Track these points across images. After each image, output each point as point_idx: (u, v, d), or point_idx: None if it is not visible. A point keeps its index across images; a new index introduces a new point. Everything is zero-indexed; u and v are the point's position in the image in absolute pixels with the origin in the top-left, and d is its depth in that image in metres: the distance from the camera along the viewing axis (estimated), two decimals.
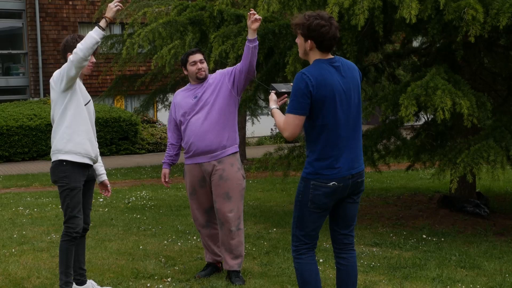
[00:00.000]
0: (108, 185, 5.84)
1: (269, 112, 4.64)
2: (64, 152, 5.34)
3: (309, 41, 4.37)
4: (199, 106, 5.88)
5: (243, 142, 18.01)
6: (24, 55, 24.44)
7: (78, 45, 5.12)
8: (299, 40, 4.45)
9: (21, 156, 19.44)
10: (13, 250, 7.29)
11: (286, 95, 4.66)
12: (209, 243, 6.18)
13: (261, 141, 24.27)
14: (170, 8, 9.71)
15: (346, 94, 4.37)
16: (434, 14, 7.18)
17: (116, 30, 23.92)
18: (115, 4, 5.16)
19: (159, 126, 23.25)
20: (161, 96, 18.33)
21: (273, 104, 4.60)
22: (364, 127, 11.21)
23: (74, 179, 5.34)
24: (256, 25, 5.58)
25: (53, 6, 23.63)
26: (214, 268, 6.22)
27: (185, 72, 6.07)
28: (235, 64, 8.90)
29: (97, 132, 18.02)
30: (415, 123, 9.73)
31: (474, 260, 6.59)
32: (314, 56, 4.41)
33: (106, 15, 5.17)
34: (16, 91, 24.23)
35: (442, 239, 7.56)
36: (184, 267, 6.46)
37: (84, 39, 5.13)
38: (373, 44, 8.94)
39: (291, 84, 4.54)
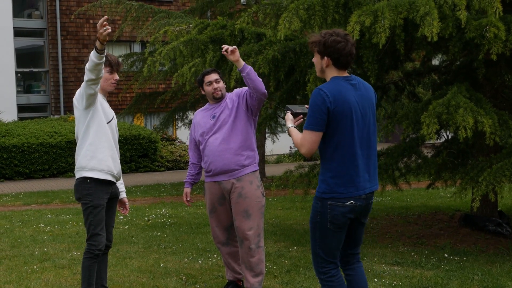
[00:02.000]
0: (127, 203, 5.88)
1: (286, 131, 4.66)
2: (88, 169, 5.38)
3: (325, 58, 4.39)
4: (217, 126, 5.89)
5: (262, 160, 18.02)
6: (45, 73, 24.68)
7: (85, 68, 5.15)
8: (315, 58, 4.48)
9: (41, 173, 19.58)
10: (35, 267, 7.32)
11: (301, 115, 4.67)
12: (229, 260, 6.17)
13: (280, 159, 24.27)
14: (191, 26, 9.77)
15: (362, 112, 4.39)
16: (456, 32, 7.17)
17: (136, 48, 24.10)
18: (101, 25, 4.95)
19: (178, 143, 23.33)
20: (181, 114, 18.41)
21: (290, 123, 4.63)
22: (385, 145, 11.21)
23: (98, 197, 5.37)
24: (235, 56, 5.51)
25: (74, 24, 23.86)
26: (235, 286, 6.21)
27: (202, 92, 6.10)
28: None
29: None
30: (436, 141, 9.71)
31: (497, 280, 6.52)
32: (331, 73, 4.43)
33: (97, 36, 5.03)
34: (37, 109, 24.46)
35: (464, 258, 7.50)
36: (205, 285, 6.45)
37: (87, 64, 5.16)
38: (394, 62, 8.94)
39: (306, 106, 4.58)
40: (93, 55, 5.07)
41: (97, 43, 5.04)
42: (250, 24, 8.82)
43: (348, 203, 4.37)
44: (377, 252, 7.90)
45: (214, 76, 5.98)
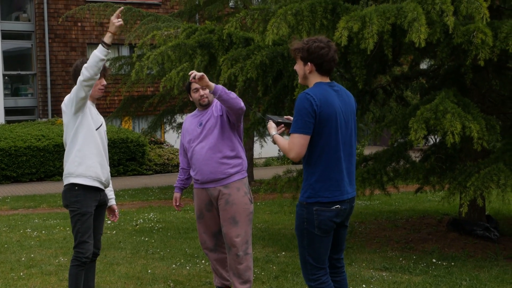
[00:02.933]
0: (116, 210, 5.84)
1: (271, 139, 4.66)
2: (75, 176, 5.35)
3: (308, 63, 4.41)
4: (203, 134, 5.86)
5: (251, 164, 18.00)
6: (33, 76, 24.58)
7: (84, 67, 5.13)
8: (298, 65, 4.50)
9: (29, 176, 19.48)
10: (21, 274, 7.26)
11: (283, 125, 4.67)
12: (217, 267, 6.15)
13: (268, 162, 24.27)
14: (179, 31, 9.74)
15: (345, 118, 4.44)
16: (443, 37, 7.19)
17: (124, 51, 24.03)
18: (116, 17, 5.11)
19: (167, 147, 23.29)
20: (169, 117, 18.38)
21: (273, 131, 4.64)
22: (373, 149, 11.19)
23: (86, 204, 5.33)
24: (203, 82, 5.41)
25: (62, 27, 23.77)
26: None
27: (190, 98, 6.07)
28: (243, 86, 8.95)
29: None
30: (424, 145, 9.72)
31: (485, 285, 6.54)
32: (314, 79, 4.46)
33: (109, 30, 5.13)
34: (25, 112, 24.33)
35: (452, 264, 7.51)
36: None
37: (89, 59, 5.14)
38: (382, 67, 8.95)
39: (287, 117, 4.64)
40: (99, 50, 5.08)
41: (107, 37, 5.09)
42: (238, 29, 8.80)
43: (334, 207, 4.38)
44: (366, 257, 7.90)
45: None
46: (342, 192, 4.41)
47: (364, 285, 6.53)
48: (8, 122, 23.02)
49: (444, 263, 7.53)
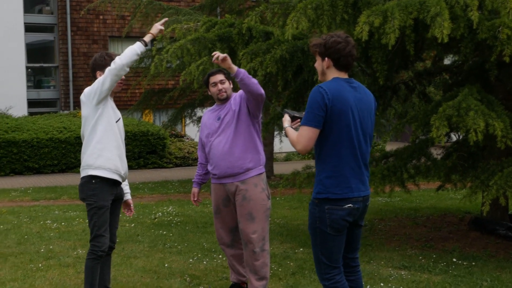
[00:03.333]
0: (131, 205, 5.81)
1: (283, 132, 4.63)
2: (94, 168, 5.32)
3: (326, 59, 4.37)
4: (221, 128, 5.82)
5: (271, 158, 17.94)
6: (55, 69, 24.67)
7: (118, 57, 5.14)
8: (317, 62, 4.46)
9: (50, 168, 19.56)
10: (40, 265, 7.27)
11: (299, 120, 4.62)
12: (234, 263, 6.10)
13: (289, 157, 24.18)
14: (199, 24, 9.70)
15: (360, 115, 4.36)
16: (467, 33, 7.07)
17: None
18: (161, 24, 5.33)
19: (187, 140, 23.28)
20: (189, 111, 18.34)
21: (286, 124, 4.60)
22: (395, 145, 11.08)
23: (102, 198, 5.31)
24: (226, 64, 5.40)
25: (84, 20, 23.82)
26: None
27: (209, 92, 6.03)
28: (263, 81, 8.88)
29: (125, 146, 18.08)
30: (447, 142, 9.59)
31: (506, 286, 6.42)
32: (332, 75, 4.40)
33: (151, 31, 5.30)
34: (47, 104, 24.44)
35: (473, 263, 7.39)
36: (209, 286, 6.39)
37: (124, 51, 5.17)
38: (404, 62, 8.83)
39: (303, 112, 4.53)
40: (137, 45, 5.19)
41: (147, 36, 5.28)
42: (258, 23, 8.73)
43: (346, 206, 4.31)
44: (384, 256, 7.81)
45: (219, 77, 5.90)
46: (352, 190, 4.33)
47: (382, 284, 6.45)
48: (30, 114, 23.14)
49: (465, 263, 7.41)
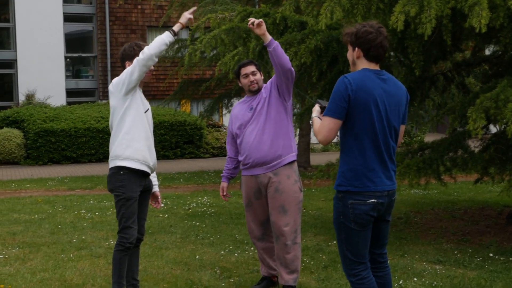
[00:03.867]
0: (159, 197, 5.76)
1: (310, 122, 4.51)
2: (123, 158, 5.28)
3: (356, 49, 4.26)
4: (253, 118, 5.75)
5: (308, 149, 17.84)
6: (93, 58, 24.86)
7: (146, 47, 5.11)
8: (349, 51, 4.35)
9: (88, 157, 19.75)
10: (71, 255, 7.30)
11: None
12: (264, 256, 6.03)
13: (326, 148, 24.02)
14: (234, 14, 9.62)
15: (388, 108, 4.23)
16: (507, 22, 6.86)
17: (184, 34, 24.06)
18: (190, 13, 5.26)
19: (224, 130, 23.28)
20: (226, 101, 18.31)
21: (314, 113, 4.50)
22: (435, 137, 10.88)
23: (131, 189, 5.27)
24: (261, 29, 5.38)
25: (122, 10, 23.93)
26: (269, 282, 6.07)
27: (240, 84, 5.96)
28: (297, 72, 8.78)
29: (162, 135, 18.20)
30: (485, 135, 9.38)
31: None
32: (362, 65, 4.28)
33: (180, 20, 5.24)
34: (85, 93, 24.66)
35: (510, 259, 7.20)
36: (239, 279, 6.33)
37: (153, 41, 5.13)
38: (441, 53, 8.65)
39: None
40: (166, 35, 5.14)
41: (176, 26, 5.22)
42: (293, 13, 8.62)
43: (370, 200, 4.20)
44: (419, 249, 7.67)
45: (250, 68, 5.82)
46: (376, 184, 4.21)
47: (415, 279, 6.32)
48: (69, 103, 23.36)
49: (502, 258, 7.23)
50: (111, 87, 5.36)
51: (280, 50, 5.44)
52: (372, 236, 4.40)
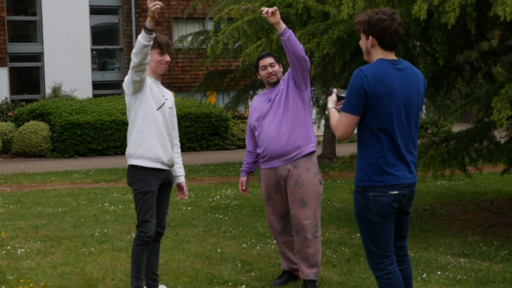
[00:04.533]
0: (184, 188, 5.69)
1: (327, 112, 4.43)
2: (135, 157, 5.27)
3: (370, 37, 4.14)
4: (271, 109, 5.69)
5: (333, 140, 17.72)
6: (119, 51, 24.92)
7: (132, 54, 5.03)
8: (361, 40, 4.23)
9: (113, 150, 19.82)
10: (93, 249, 7.29)
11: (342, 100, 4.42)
12: (285, 250, 5.97)
13: (353, 138, 23.83)
14: (257, 5, 9.54)
15: (406, 99, 4.13)
16: None
17: (209, 25, 24.01)
18: (152, 2, 4.80)
19: None
20: (251, 92, 18.23)
21: (331, 104, 4.40)
22: (462, 126, 10.73)
23: (148, 183, 5.24)
24: (275, 18, 5.31)
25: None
26: (290, 276, 6.01)
27: (259, 76, 5.90)
28: (321, 62, 8.68)
29: (188, 127, 18.08)
30: (510, 125, 9.21)
31: None
32: (377, 55, 4.17)
33: (148, 14, 4.91)
34: (111, 86, 24.73)
35: None
36: (260, 273, 6.27)
37: (135, 45, 5.02)
38: (467, 42, 8.49)
39: None
40: (142, 36, 4.92)
41: (147, 21, 4.90)
42: (315, 2, 8.52)
43: (392, 192, 4.12)
44: (444, 242, 7.56)
45: (268, 60, 5.75)
46: (397, 177, 4.12)
47: (439, 272, 6.22)
48: (95, 96, 23.46)
49: None
50: (123, 85, 5.35)
51: (294, 39, 5.38)
52: (395, 229, 4.32)
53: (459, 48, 8.43)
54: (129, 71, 5.15)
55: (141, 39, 4.91)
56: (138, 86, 5.16)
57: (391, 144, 4.11)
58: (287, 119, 5.62)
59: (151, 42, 4.94)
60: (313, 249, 5.69)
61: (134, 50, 4.98)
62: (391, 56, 4.17)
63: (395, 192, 4.12)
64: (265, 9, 5.29)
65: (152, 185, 5.25)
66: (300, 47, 5.43)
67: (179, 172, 5.68)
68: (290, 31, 5.36)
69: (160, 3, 4.81)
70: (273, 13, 5.29)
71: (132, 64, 5.03)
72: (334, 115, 4.26)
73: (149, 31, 4.89)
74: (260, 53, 5.95)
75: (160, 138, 5.29)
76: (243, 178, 6.07)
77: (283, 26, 5.34)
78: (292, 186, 5.66)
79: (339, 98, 4.42)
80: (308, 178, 5.66)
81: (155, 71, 5.38)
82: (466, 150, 8.02)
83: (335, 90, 4.50)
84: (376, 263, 4.30)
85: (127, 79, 5.23)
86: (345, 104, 4.11)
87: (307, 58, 5.52)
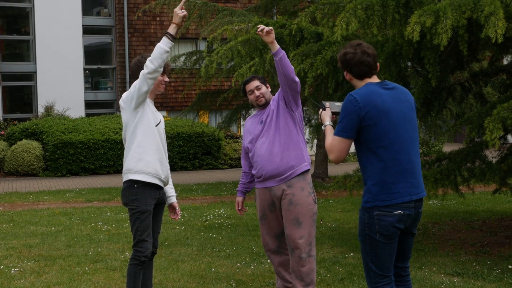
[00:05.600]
0: (177, 208, 5.73)
1: (323, 128, 4.49)
2: (135, 172, 5.29)
3: (345, 72, 4.38)
4: (263, 131, 5.74)
5: (325, 160, 17.77)
6: (112, 70, 24.96)
7: (148, 60, 5.08)
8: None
9: (106, 169, 19.81)
10: (87, 268, 7.29)
11: (335, 115, 4.52)
12: (279, 269, 5.99)
13: (344, 158, 23.92)
14: (250, 25, 9.62)
15: (399, 115, 4.25)
16: None
17: (202, 45, 24.11)
18: (180, 8, 5.06)
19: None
20: (244, 112, 18.29)
21: (328, 120, 4.50)
22: (453, 147, 10.81)
23: (145, 202, 5.27)
24: (270, 37, 5.36)
25: (141, 22, 24.04)
26: None
27: (248, 100, 5.96)
28: (313, 83, 8.75)
29: (180, 147, 18.16)
30: (503, 145, 9.30)
31: None
32: (358, 84, 4.37)
33: (173, 21, 5.08)
34: (104, 105, 24.76)
35: None
36: None
37: (153, 51, 5.07)
38: (458, 63, 8.59)
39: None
40: (163, 42, 5.04)
41: (172, 28, 5.05)
42: (308, 24, 8.60)
43: (396, 212, 4.17)
44: (437, 261, 7.60)
45: (254, 84, 5.82)
46: (402, 194, 4.19)
47: None
48: (88, 115, 23.46)
49: None
50: (121, 101, 5.36)
51: (287, 60, 5.44)
52: (397, 249, 4.37)
53: (450, 69, 8.52)
54: (137, 83, 5.16)
55: (163, 45, 5.02)
56: (143, 98, 5.19)
57: (392, 161, 4.19)
58: (279, 140, 5.67)
59: (169, 51, 5.03)
60: (308, 268, 5.72)
61: (152, 57, 5.04)
62: (376, 80, 4.33)
63: (399, 212, 4.17)
64: (261, 26, 5.35)
65: (149, 205, 5.28)
66: (291, 69, 5.48)
67: (171, 192, 5.70)
68: (283, 52, 5.41)
69: (185, 12, 5.03)
70: (268, 32, 5.35)
71: (146, 70, 5.06)
72: (329, 135, 4.34)
73: (172, 37, 5.02)
74: (245, 79, 6.00)
75: (159, 154, 5.33)
76: (239, 198, 6.10)
77: (277, 46, 5.40)
78: (287, 206, 5.70)
79: (333, 113, 4.51)
80: (302, 197, 5.70)
81: (154, 91, 5.43)
82: (458, 170, 8.08)
83: (328, 104, 4.59)
84: (374, 282, 4.34)
85: (129, 94, 5.25)
86: (338, 129, 4.23)
87: (298, 80, 5.56)
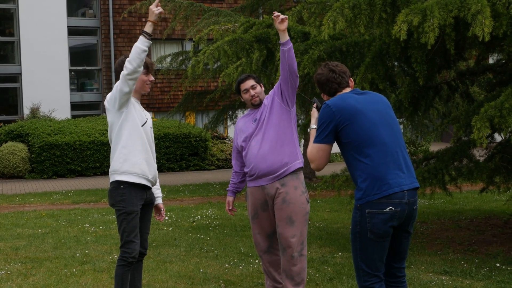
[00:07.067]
0: (162, 209, 5.69)
1: (309, 131, 4.52)
2: (121, 173, 5.25)
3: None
4: (257, 128, 5.72)
5: None
6: (98, 71, 24.89)
7: (127, 60, 5.02)
8: None
9: (92, 170, 19.73)
10: (74, 270, 7.24)
11: None
12: (270, 269, 5.96)
13: (331, 158, 23.97)
14: (237, 25, 9.59)
15: (376, 113, 4.32)
16: (510, 30, 6.82)
17: (188, 46, 24.08)
18: (156, 5, 4.98)
19: (229, 142, 23.25)
20: (230, 112, 18.28)
21: (314, 124, 4.55)
22: (439, 146, 10.83)
23: (131, 203, 5.22)
24: (283, 25, 5.35)
25: (126, 23, 23.98)
26: None
27: (242, 99, 5.92)
28: (301, 83, 8.73)
29: (167, 148, 18.13)
30: (490, 143, 9.32)
31: None
32: None
33: (149, 19, 5.02)
34: (90, 107, 24.68)
35: None
36: None
37: (131, 51, 5.02)
38: (445, 62, 8.60)
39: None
40: (140, 41, 4.97)
41: (147, 26, 4.99)
42: (295, 23, 8.59)
43: (387, 209, 4.14)
44: (425, 260, 7.60)
45: (249, 83, 5.78)
46: (391, 185, 4.17)
47: None
48: (73, 116, 23.37)
49: (509, 268, 7.16)
50: (106, 103, 5.32)
51: (293, 52, 5.46)
52: (393, 248, 4.36)
53: (437, 67, 8.53)
54: (118, 84, 5.11)
55: (140, 44, 4.95)
56: (126, 99, 5.14)
57: (378, 156, 4.21)
58: (274, 137, 5.64)
59: (147, 50, 4.97)
60: (299, 267, 5.69)
61: (130, 57, 4.98)
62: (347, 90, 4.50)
63: (390, 208, 4.15)
64: (276, 12, 5.35)
65: (135, 205, 5.24)
66: (295, 62, 5.49)
67: (157, 193, 5.66)
68: (291, 44, 5.43)
69: (161, 9, 4.97)
70: (282, 20, 5.34)
71: (125, 71, 5.01)
72: (312, 138, 4.42)
73: (149, 36, 4.96)
74: (240, 77, 5.96)
75: (145, 154, 5.29)
76: (229, 198, 6.06)
77: (287, 36, 5.39)
78: (280, 204, 5.67)
79: (318, 109, 4.58)
80: (295, 196, 5.67)
81: (139, 91, 5.38)
82: (446, 168, 8.09)
83: (315, 105, 4.62)
84: (363, 280, 4.32)
85: (112, 95, 5.21)
86: (317, 136, 4.31)
87: (298, 75, 5.58)
